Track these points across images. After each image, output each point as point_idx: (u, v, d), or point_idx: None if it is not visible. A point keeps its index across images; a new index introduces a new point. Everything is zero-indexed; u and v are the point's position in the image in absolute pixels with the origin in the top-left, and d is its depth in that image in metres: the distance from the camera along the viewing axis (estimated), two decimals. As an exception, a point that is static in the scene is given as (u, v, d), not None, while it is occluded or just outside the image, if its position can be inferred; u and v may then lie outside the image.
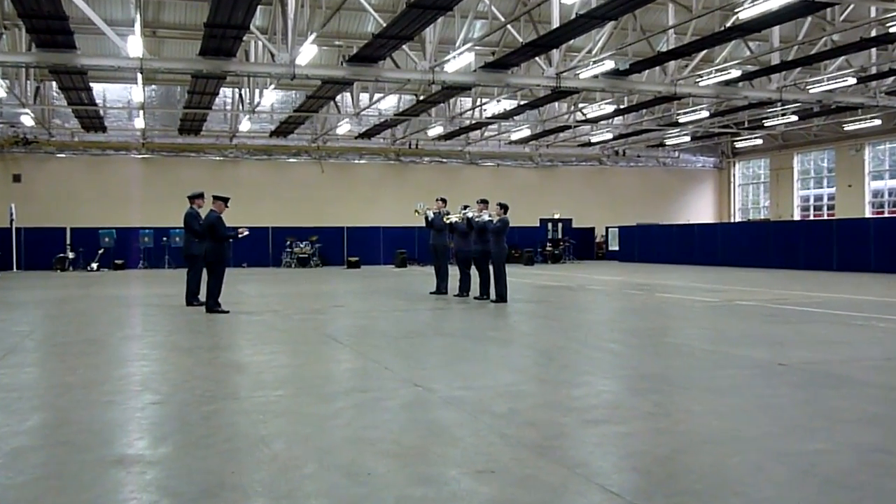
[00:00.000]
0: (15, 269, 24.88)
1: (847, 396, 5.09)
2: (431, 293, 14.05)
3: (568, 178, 33.76)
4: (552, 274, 21.88)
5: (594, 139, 31.18)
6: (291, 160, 30.15)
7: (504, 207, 12.42)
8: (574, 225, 32.66)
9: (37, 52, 15.63)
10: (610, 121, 28.80)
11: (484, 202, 13.08)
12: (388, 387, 5.51)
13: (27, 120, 24.21)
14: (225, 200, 11.12)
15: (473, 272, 13.35)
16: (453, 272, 14.26)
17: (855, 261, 21.05)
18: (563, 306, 12.11)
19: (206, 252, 10.92)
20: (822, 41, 19.28)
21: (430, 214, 13.86)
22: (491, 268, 12.56)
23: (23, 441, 4.04)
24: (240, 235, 11.16)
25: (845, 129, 29.26)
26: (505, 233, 12.37)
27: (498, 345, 7.82)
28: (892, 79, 21.25)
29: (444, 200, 14.28)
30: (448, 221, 13.52)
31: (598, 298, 13.78)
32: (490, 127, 29.77)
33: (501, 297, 12.14)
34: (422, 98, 23.59)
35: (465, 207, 13.30)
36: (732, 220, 35.50)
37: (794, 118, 27.36)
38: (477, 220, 12.60)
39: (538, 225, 31.84)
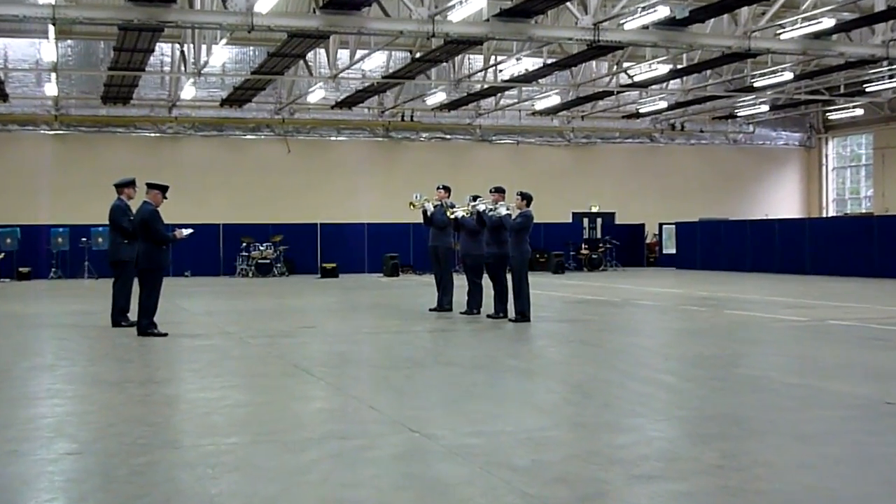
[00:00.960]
0: None
1: (974, 445, 5.04)
2: (431, 310, 14.18)
3: (609, 160, 33.92)
4: (589, 285, 22.13)
5: (643, 109, 31.31)
6: (249, 137, 30.41)
7: (526, 198, 12.60)
8: (617, 221, 32.86)
9: (-82, -3, 15.73)
10: (664, 85, 28.84)
11: (500, 191, 13.27)
12: (374, 432, 5.61)
13: None
14: (163, 190, 11.27)
15: (486, 282, 13.37)
16: (460, 282, 14.35)
17: None
18: (604, 327, 12.28)
19: (139, 257, 11.06)
20: (941, -20, 19.29)
21: (430, 207, 14.06)
22: (509, 277, 12.64)
23: None
24: (179, 237, 11.26)
25: (972, 95, 29.25)
26: (527, 231, 12.53)
27: (519, 377, 7.96)
28: None
29: (447, 189, 14.42)
30: (453, 216, 13.67)
31: (650, 317, 14.03)
32: (508, 93, 29.94)
33: (523, 315, 12.29)
34: (419, 56, 23.70)
35: (476, 198, 13.47)
36: (824, 215, 35.46)
37: (905, 81, 27.34)
38: (491, 214, 12.76)
39: (570, 221, 31.89)
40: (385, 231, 29.42)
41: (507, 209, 12.83)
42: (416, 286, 22.25)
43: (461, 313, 13.61)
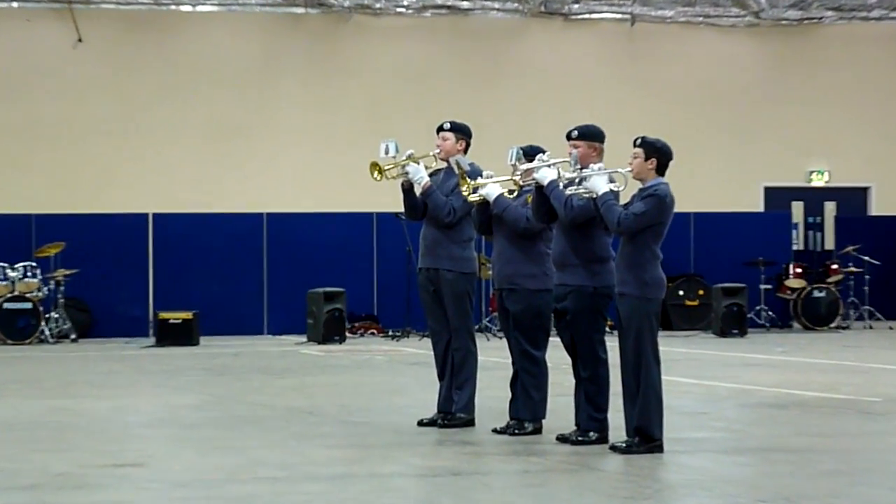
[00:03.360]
0: None
1: None
2: (425, 423, 12.75)
3: (851, 68, 31.01)
4: (807, 363, 20.47)
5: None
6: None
7: (657, 154, 10.66)
8: (874, 209, 30.60)
9: None
10: None
11: (589, 137, 11.41)
12: None
13: None
14: None
15: (556, 355, 12.38)
16: (494, 355, 13.56)
17: None
18: (841, 466, 10.59)
19: None
20: None
21: (422, 175, 12.35)
22: (611, 342, 11.73)
23: None
24: None
25: None
26: (660, 234, 10.89)
27: None
28: None
29: (461, 133, 12.67)
30: (477, 197, 12.09)
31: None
32: None
33: (644, 435, 10.79)
34: None
35: (534, 154, 11.52)
36: None
37: None
38: (572, 191, 11.16)
39: (762, 209, 29.58)
40: (313, 234, 26.43)
41: (612, 180, 10.87)
42: (386, 367, 20.34)
43: (496, 431, 12.05)
